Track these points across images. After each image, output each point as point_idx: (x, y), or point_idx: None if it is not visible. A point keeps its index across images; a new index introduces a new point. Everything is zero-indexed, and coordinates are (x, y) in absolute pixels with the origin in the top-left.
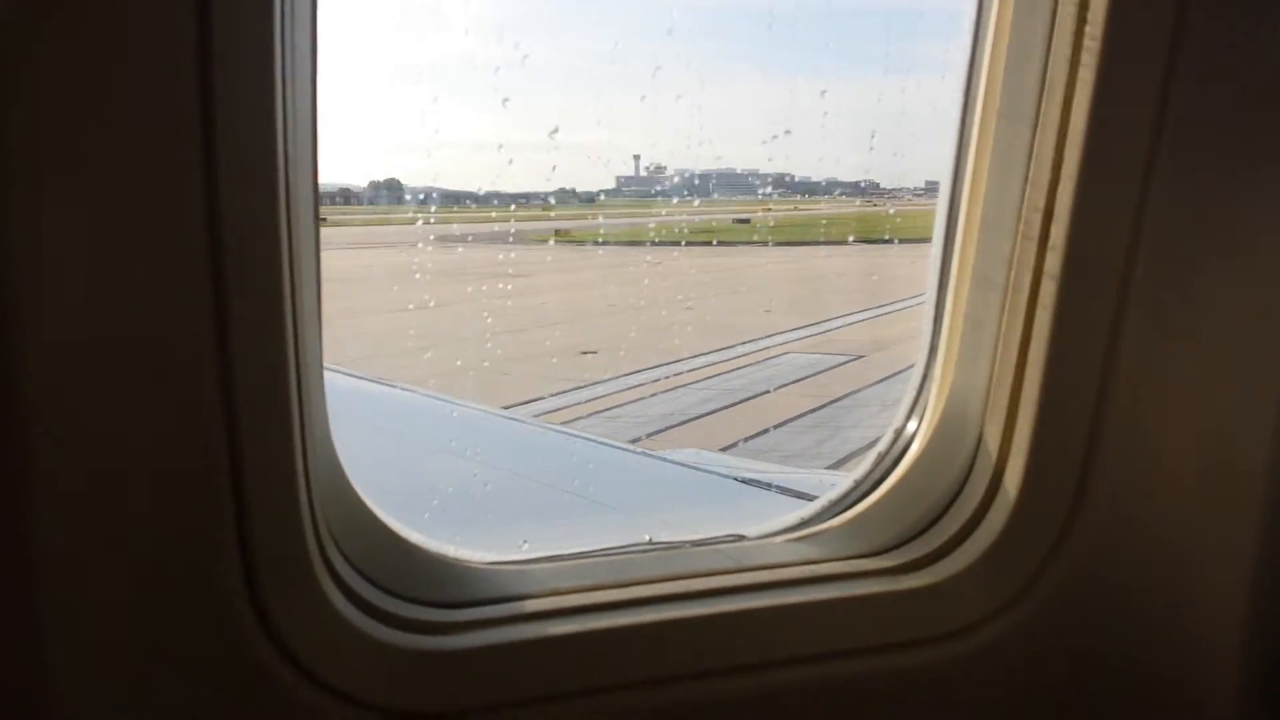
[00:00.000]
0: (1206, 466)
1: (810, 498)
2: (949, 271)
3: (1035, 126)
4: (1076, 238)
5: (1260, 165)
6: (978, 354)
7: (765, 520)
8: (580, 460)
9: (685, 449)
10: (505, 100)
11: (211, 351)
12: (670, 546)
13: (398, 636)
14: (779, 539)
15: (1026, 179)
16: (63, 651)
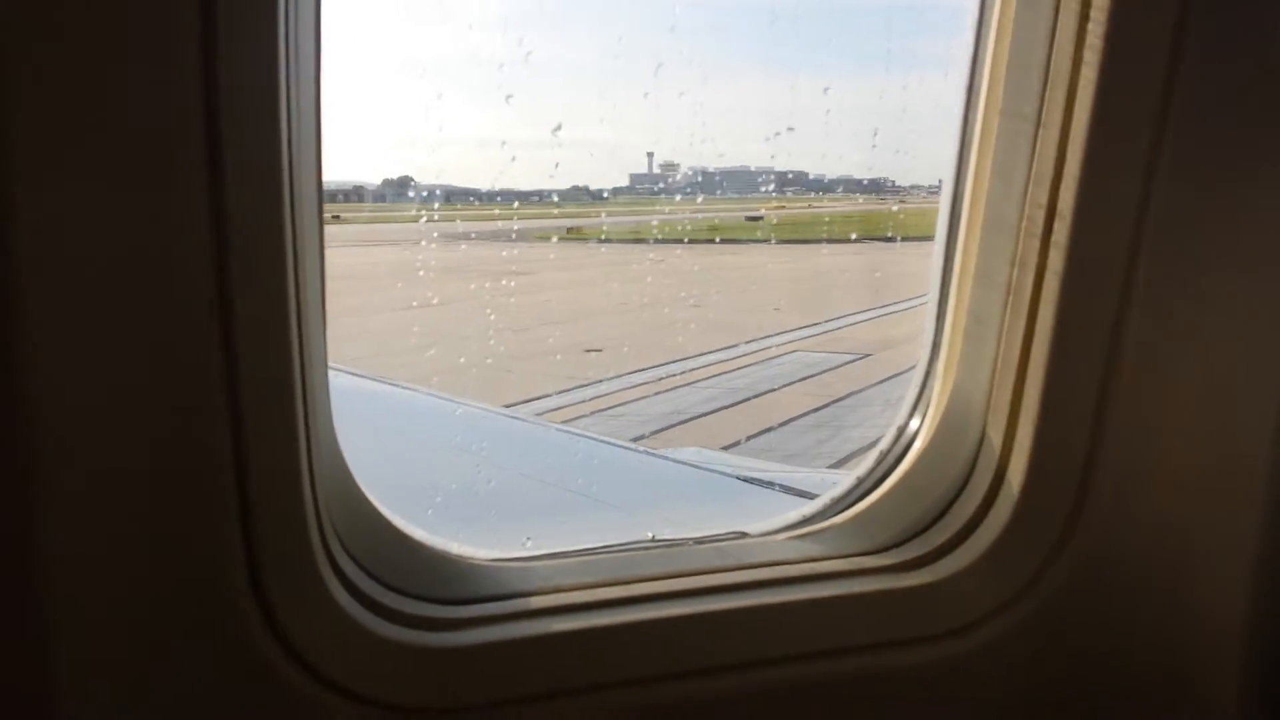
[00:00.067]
0: (1208, 465)
1: (812, 496)
2: (951, 270)
3: (1038, 124)
4: (1079, 236)
5: (1262, 163)
6: (980, 352)
7: (767, 519)
8: (583, 459)
9: (687, 448)
10: (509, 97)
11: (216, 350)
12: (673, 544)
13: (402, 633)
14: (781, 536)
15: (1029, 177)
16: (67, 649)
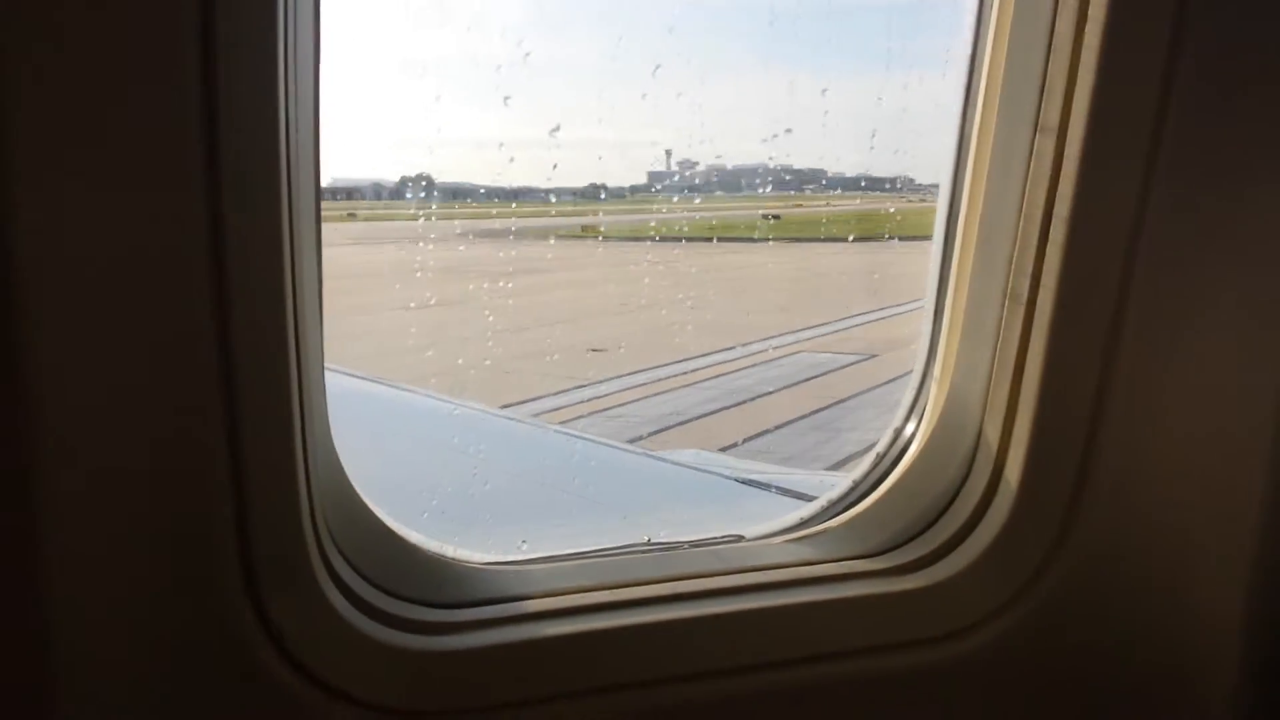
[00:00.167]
0: (1206, 465)
1: (809, 498)
2: (948, 273)
3: (1035, 126)
4: (1076, 238)
5: (1261, 164)
6: (977, 354)
7: (764, 521)
8: (580, 460)
9: (685, 449)
10: (507, 98)
11: (213, 352)
12: (669, 547)
13: (397, 636)
14: (778, 540)
15: (1026, 179)
16: (65, 649)
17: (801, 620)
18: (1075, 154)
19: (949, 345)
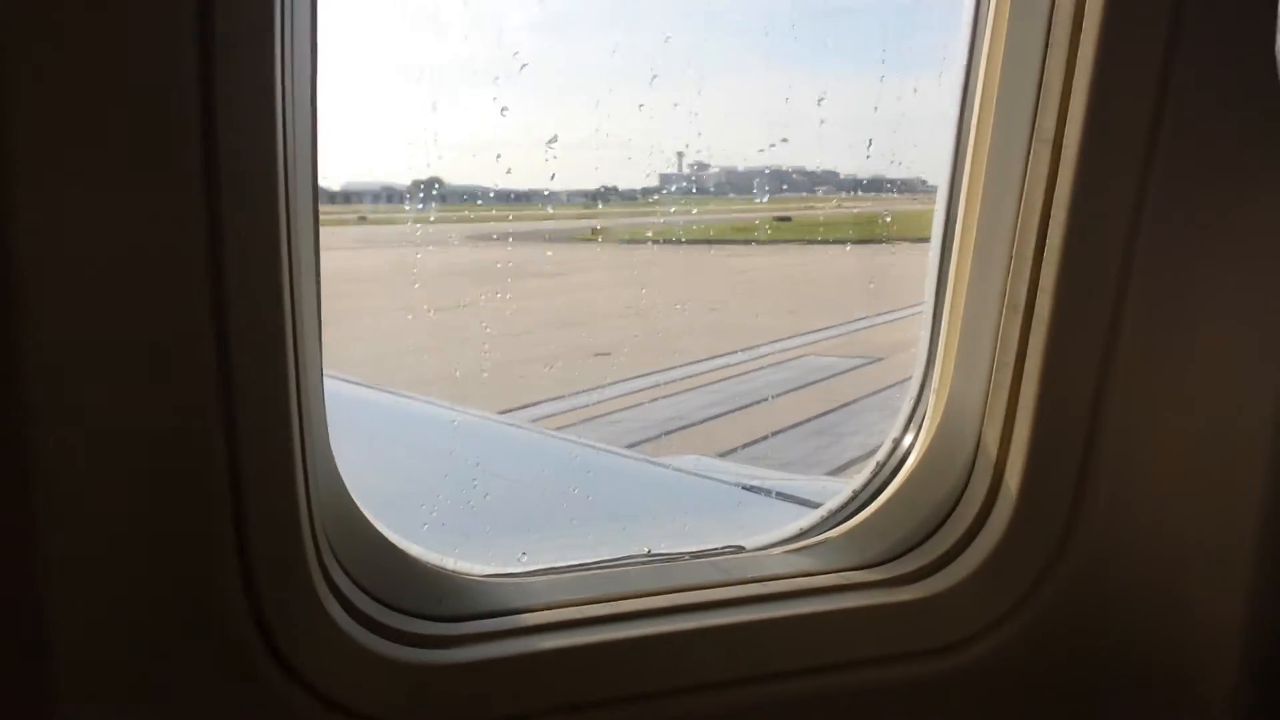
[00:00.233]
0: (1205, 473)
1: (810, 503)
2: (946, 281)
3: (1031, 133)
4: (1073, 245)
5: (1257, 167)
6: (975, 363)
7: (765, 526)
8: (580, 467)
9: (686, 455)
10: (504, 109)
11: (212, 362)
12: (669, 559)
13: (397, 650)
14: (777, 551)
15: (1023, 186)
16: (65, 651)
17: (802, 632)
18: (1072, 160)
19: (947, 354)
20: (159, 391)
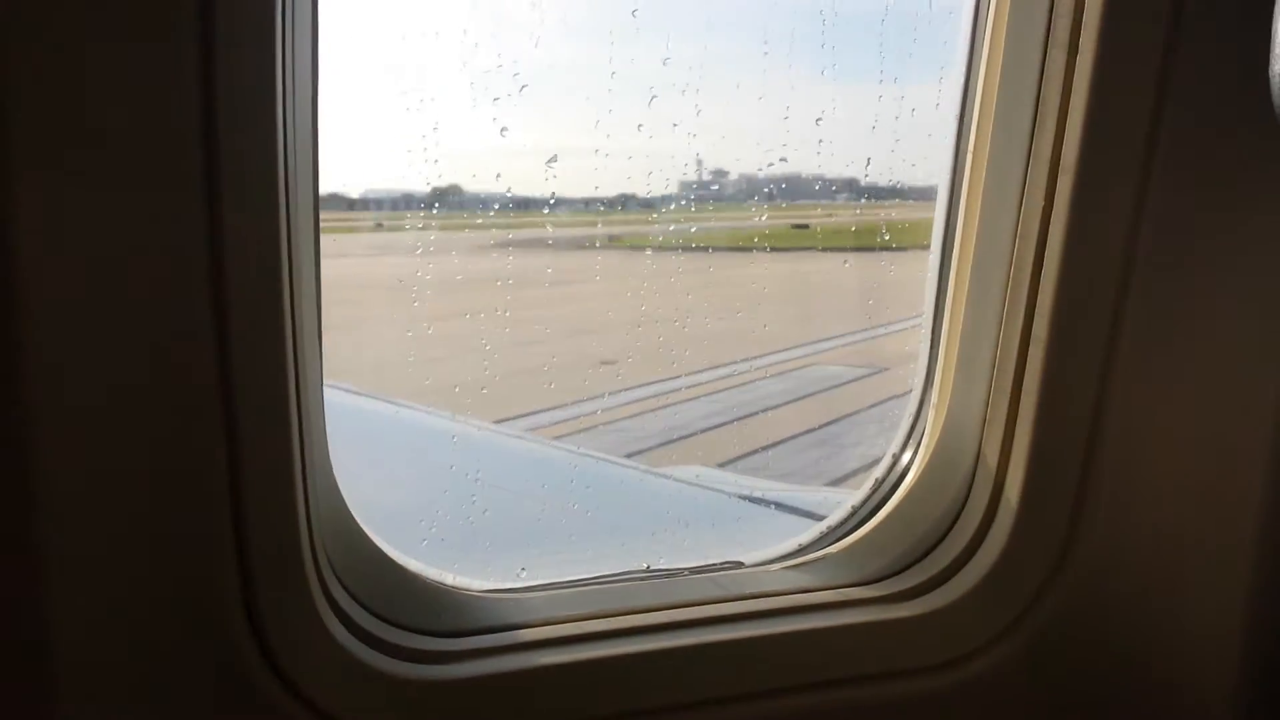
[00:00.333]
0: (1205, 486)
1: (809, 514)
2: (945, 294)
3: (1030, 144)
4: (1071, 259)
5: (1258, 170)
6: (974, 378)
7: (764, 538)
8: (580, 478)
9: (686, 466)
10: (504, 129)
11: (212, 365)
12: (668, 574)
13: (396, 665)
14: (776, 566)
15: (1021, 200)
16: (65, 651)
17: (802, 648)
18: (1071, 168)
19: (946, 368)
20: (159, 393)
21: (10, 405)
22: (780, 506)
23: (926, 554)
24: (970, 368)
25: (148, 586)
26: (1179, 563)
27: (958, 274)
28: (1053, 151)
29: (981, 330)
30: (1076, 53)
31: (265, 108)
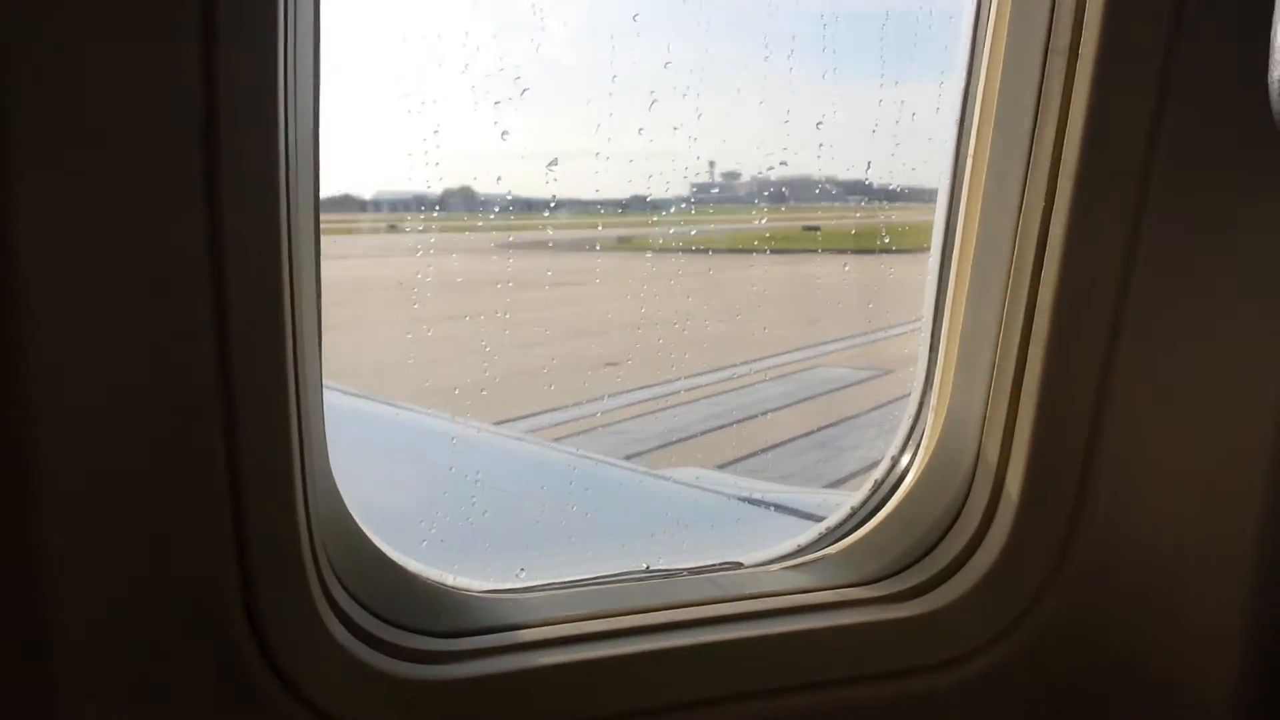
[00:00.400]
0: (1204, 486)
1: (810, 516)
2: (945, 296)
3: (1030, 142)
4: (1071, 260)
5: (1257, 174)
6: (974, 379)
7: (764, 539)
8: (579, 480)
9: (685, 468)
10: (505, 133)
11: (212, 365)
12: (667, 574)
13: (396, 665)
14: (775, 567)
15: (1021, 200)
16: (66, 651)
17: (801, 648)
18: (1070, 172)
19: (946, 368)
20: (159, 393)
21: (11, 405)
22: (780, 508)
23: (926, 554)
24: (970, 368)
25: (148, 586)
26: (1179, 562)
27: (958, 275)
28: (1053, 153)
29: (981, 331)
30: (1077, 55)
31: (266, 108)
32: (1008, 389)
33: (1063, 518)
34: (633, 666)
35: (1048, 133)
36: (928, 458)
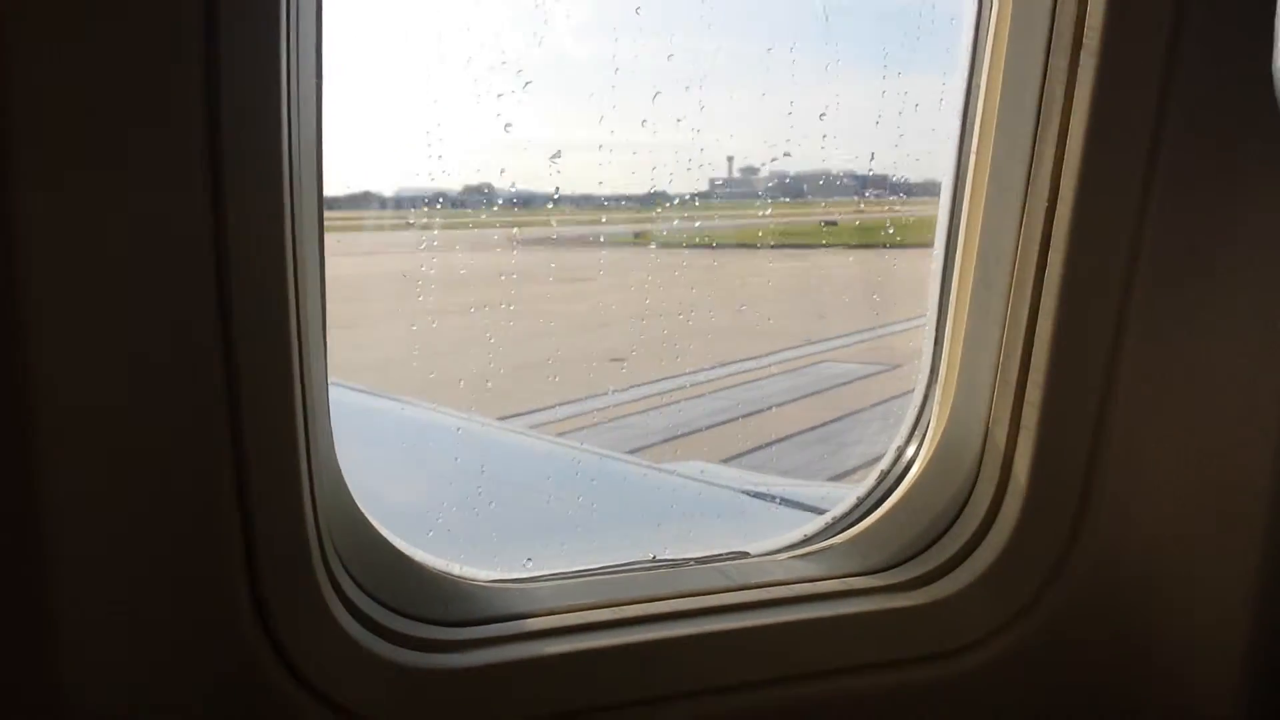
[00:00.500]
0: (1209, 478)
1: (814, 510)
2: (949, 289)
3: (1034, 137)
4: (1076, 250)
5: (1261, 167)
6: (980, 369)
7: (768, 532)
8: (584, 473)
9: (690, 462)
10: (508, 125)
11: (217, 369)
12: (674, 564)
13: (404, 655)
14: (782, 556)
15: (1026, 191)
16: (68, 654)
17: (807, 637)
18: (1075, 165)
19: (952, 359)
20: (164, 392)
21: (17, 402)
22: (784, 501)
23: (932, 544)
24: (976, 360)
25: (156, 580)
26: (1183, 555)
27: (963, 266)
28: (1056, 149)
29: (987, 323)
30: (1080, 51)
31: (269, 106)
32: (1014, 381)
33: (1068, 510)
34: (640, 655)
35: (1052, 127)
36: (933, 449)
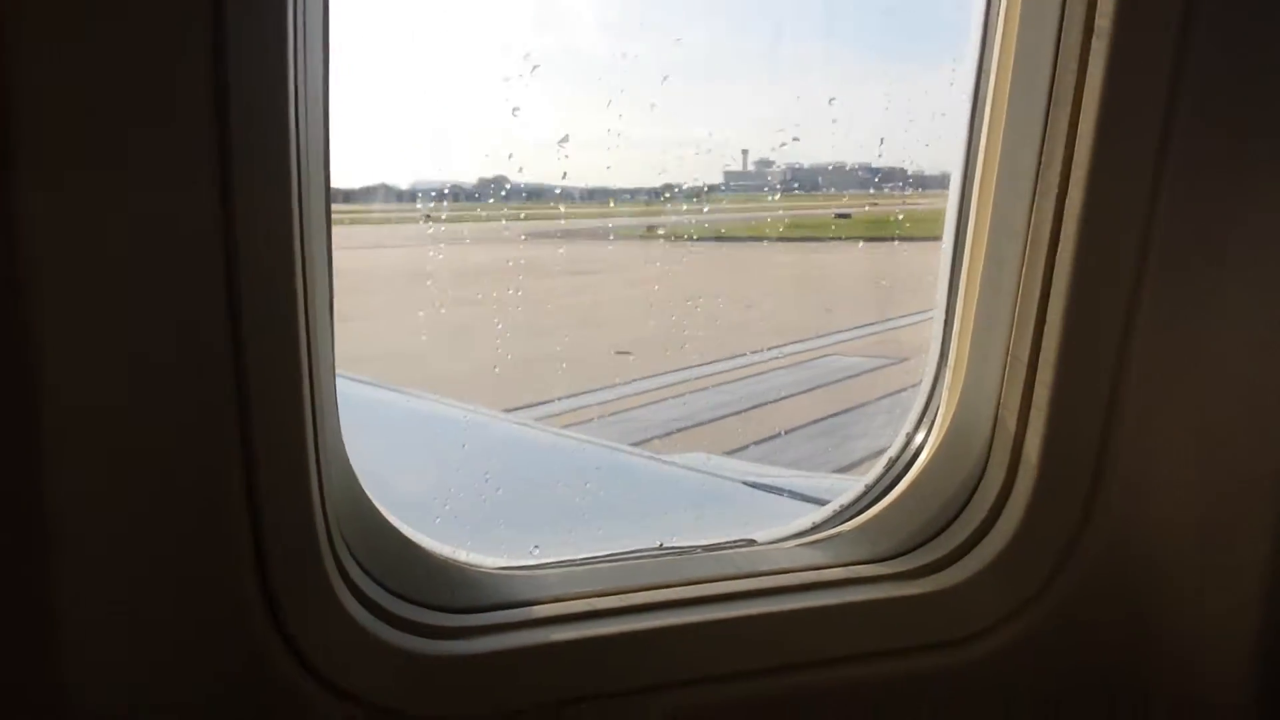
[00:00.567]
0: (1218, 469)
1: (819, 501)
2: (959, 279)
3: (1044, 125)
4: (1087, 237)
5: (1272, 157)
6: (989, 359)
7: (772, 524)
8: (589, 464)
9: (693, 453)
10: (515, 109)
11: (226, 361)
12: (681, 551)
13: (411, 641)
14: (790, 544)
15: (1036, 179)
16: (73, 651)
17: (814, 624)
18: (1085, 154)
19: (961, 347)
20: (171, 390)
21: (23, 403)
22: (787, 493)
23: (940, 532)
24: (985, 348)
25: (166, 570)
26: (1193, 545)
27: (973, 251)
28: (1067, 135)
29: (996, 311)
30: (1091, 40)
31: (277, 102)
32: (1025, 366)
33: (1078, 499)
34: (646, 642)
35: (1062, 114)
36: (942, 436)
